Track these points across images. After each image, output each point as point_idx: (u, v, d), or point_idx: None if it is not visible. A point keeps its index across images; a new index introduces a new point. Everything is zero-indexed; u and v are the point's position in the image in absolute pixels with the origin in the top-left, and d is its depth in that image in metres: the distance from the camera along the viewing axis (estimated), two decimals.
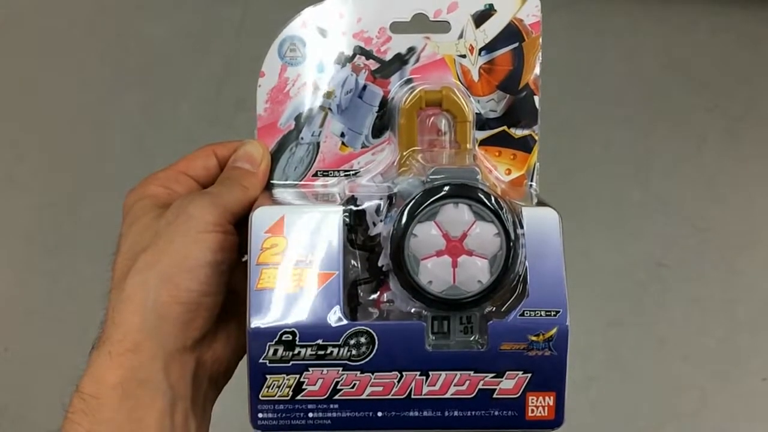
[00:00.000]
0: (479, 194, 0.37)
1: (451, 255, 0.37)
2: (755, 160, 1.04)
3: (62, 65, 1.08)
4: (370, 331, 0.37)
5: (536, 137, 0.44)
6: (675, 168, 1.03)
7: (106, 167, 1.02)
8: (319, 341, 0.36)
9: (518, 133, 0.44)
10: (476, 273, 0.37)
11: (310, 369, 0.36)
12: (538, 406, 0.37)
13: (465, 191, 0.37)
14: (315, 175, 0.43)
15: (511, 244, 0.37)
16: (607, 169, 1.02)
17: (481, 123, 0.43)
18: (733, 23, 1.09)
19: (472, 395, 0.37)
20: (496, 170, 0.44)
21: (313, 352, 0.36)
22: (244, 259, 0.40)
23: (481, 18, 0.42)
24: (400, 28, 0.43)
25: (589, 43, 1.09)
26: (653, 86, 1.07)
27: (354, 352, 0.36)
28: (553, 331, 0.37)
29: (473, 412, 0.37)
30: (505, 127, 0.44)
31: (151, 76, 1.07)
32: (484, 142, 0.43)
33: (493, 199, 0.37)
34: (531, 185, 0.44)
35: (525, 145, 0.44)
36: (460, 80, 0.43)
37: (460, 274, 0.37)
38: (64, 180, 1.03)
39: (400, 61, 0.43)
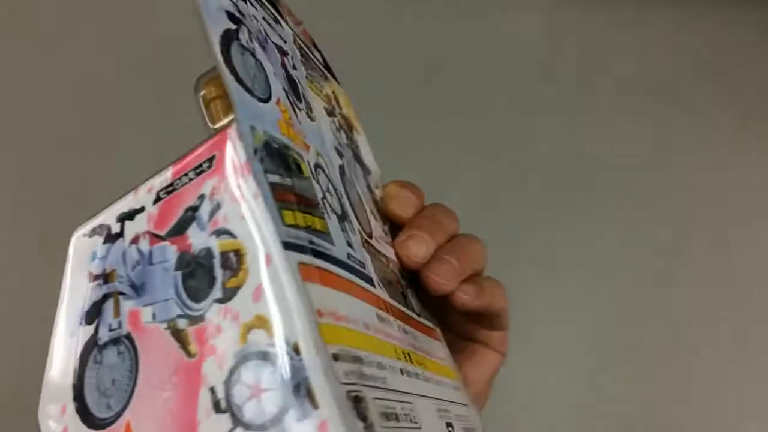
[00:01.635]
0: None
1: None
2: (763, 155, 0.99)
3: (65, 66, 1.09)
4: None
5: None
6: (681, 164, 0.98)
7: (109, 167, 1.00)
8: None
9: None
10: None
11: None
12: None
13: None
14: None
15: None
16: (611, 166, 0.97)
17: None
18: (745, 13, 1.05)
19: None
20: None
21: None
22: None
23: None
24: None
25: (598, 35, 1.05)
26: (662, 78, 1.03)
27: None
28: None
29: None
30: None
31: (152, 76, 1.06)
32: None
33: None
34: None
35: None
36: None
37: None
38: (67, 180, 1.02)
39: None
